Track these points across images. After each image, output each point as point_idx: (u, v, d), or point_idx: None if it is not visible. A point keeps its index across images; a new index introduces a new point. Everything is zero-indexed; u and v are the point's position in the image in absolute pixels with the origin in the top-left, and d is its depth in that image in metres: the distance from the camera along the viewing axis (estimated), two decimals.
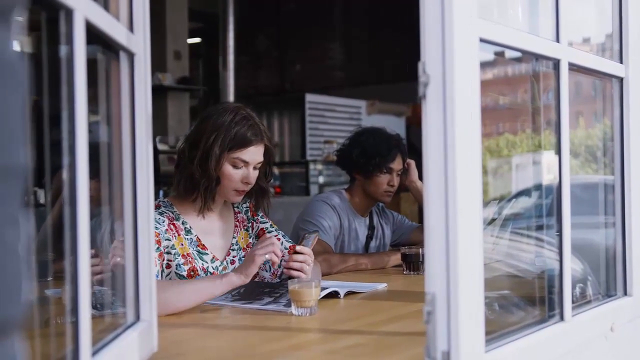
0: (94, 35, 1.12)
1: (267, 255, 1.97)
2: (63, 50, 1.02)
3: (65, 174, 1.02)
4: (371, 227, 3.16)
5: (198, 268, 2.18)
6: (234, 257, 2.31)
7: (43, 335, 1.18)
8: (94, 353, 1.09)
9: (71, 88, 1.01)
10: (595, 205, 2.07)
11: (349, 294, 2.17)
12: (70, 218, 1.01)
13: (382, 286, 2.35)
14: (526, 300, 1.73)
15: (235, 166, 2.19)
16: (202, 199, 2.21)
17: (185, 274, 2.15)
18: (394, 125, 7.08)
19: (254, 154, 2.21)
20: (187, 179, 2.20)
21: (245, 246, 2.35)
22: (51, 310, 1.31)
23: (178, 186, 2.22)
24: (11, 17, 0.57)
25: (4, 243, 0.56)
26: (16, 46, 0.59)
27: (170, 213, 2.20)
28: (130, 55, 1.35)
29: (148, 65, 1.40)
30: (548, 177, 2.00)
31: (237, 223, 2.37)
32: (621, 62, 1.81)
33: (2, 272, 0.56)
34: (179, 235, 2.18)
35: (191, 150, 2.20)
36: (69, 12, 1.00)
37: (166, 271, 2.12)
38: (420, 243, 3.00)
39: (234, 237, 2.34)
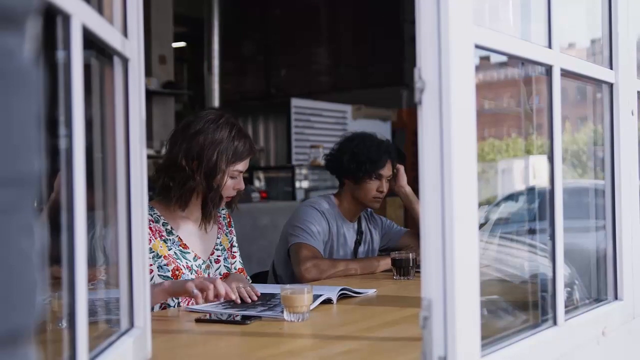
0: (89, 40, 1.12)
1: (195, 291, 1.93)
2: (59, 55, 1.02)
3: (62, 180, 1.01)
4: (360, 232, 3.16)
5: (182, 267, 2.25)
6: (218, 256, 2.41)
7: (37, 342, 1.17)
8: None
9: (68, 93, 1.00)
10: (581, 209, 2.08)
11: (342, 298, 2.17)
12: (67, 223, 1.00)
13: (372, 292, 2.35)
14: (517, 305, 1.74)
15: (232, 177, 2.30)
16: (208, 212, 2.30)
17: (169, 274, 2.22)
18: (380, 129, 7.06)
19: (247, 163, 2.35)
20: (188, 192, 2.26)
21: (227, 248, 2.46)
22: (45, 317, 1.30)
23: (174, 196, 2.25)
24: (25, 24, 0.57)
25: (19, 251, 0.55)
26: (30, 52, 0.58)
27: (149, 216, 2.21)
28: (125, 61, 1.34)
29: (142, 70, 1.39)
30: (535, 182, 2.01)
31: (220, 225, 2.46)
32: (611, 68, 1.82)
33: (18, 280, 0.55)
34: (156, 238, 2.24)
35: (188, 162, 2.22)
36: (66, 18, 0.99)
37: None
38: (408, 248, 3.00)
39: (218, 238, 2.43)
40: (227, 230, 2.48)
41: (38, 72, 0.60)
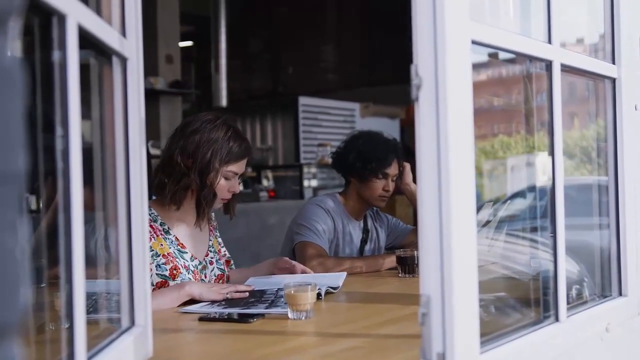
0: (86, 40, 1.12)
1: (228, 295, 2.13)
2: (55, 55, 1.02)
3: (59, 180, 1.01)
4: (365, 231, 3.16)
5: (180, 266, 2.28)
6: (211, 258, 2.44)
7: (36, 341, 1.18)
8: (89, 358, 1.09)
9: (64, 93, 1.01)
10: (590, 206, 2.07)
11: (328, 294, 2.21)
12: (64, 224, 1.00)
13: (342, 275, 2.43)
14: (521, 301, 1.73)
15: (226, 178, 2.32)
16: (201, 210, 2.32)
17: (167, 273, 2.25)
18: (388, 127, 7.05)
19: (244, 165, 2.37)
20: (182, 190, 2.28)
21: (217, 250, 2.49)
22: (46, 316, 1.31)
23: (169, 193, 2.27)
24: (8, 23, 0.57)
25: (3, 248, 0.56)
26: (13, 52, 0.59)
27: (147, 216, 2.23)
28: (123, 60, 1.35)
29: (141, 70, 1.40)
30: (543, 179, 2.01)
31: (211, 228, 2.51)
32: (613, 63, 1.82)
33: (1, 277, 0.56)
34: (157, 236, 2.27)
35: (184, 159, 2.26)
36: (62, 18, 1.00)
37: None
38: (414, 245, 3.00)
39: (209, 240, 2.47)
40: (216, 234, 2.53)
41: (21, 71, 0.60)
